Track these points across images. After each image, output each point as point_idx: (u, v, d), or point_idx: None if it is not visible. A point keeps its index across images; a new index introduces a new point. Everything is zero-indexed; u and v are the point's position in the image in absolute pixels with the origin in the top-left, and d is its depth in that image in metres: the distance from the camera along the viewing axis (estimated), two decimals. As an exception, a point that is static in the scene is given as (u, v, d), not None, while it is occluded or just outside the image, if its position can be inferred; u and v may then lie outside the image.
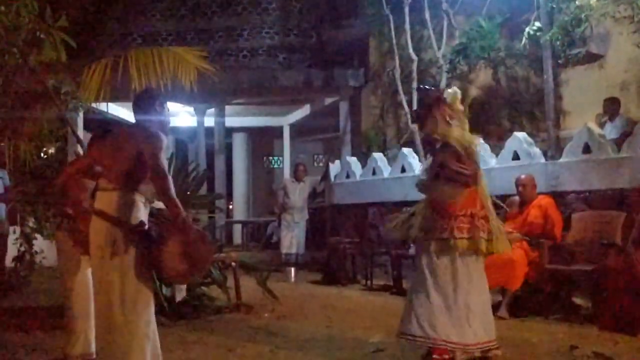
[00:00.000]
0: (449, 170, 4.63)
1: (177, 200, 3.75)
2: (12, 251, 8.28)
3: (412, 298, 4.64)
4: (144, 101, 4.05)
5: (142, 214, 3.80)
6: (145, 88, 6.26)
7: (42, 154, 11.08)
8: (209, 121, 15.23)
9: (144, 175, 3.78)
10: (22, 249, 8.63)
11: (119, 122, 13.19)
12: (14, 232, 8.51)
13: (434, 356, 4.47)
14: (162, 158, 3.75)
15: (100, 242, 3.78)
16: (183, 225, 3.71)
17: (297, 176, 11.16)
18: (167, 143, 3.88)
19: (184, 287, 4.27)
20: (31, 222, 9.08)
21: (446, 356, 4.48)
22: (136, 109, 4.03)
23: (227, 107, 15.29)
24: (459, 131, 4.67)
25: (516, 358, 4.75)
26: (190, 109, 15.39)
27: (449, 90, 4.85)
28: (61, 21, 7.61)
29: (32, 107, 8.37)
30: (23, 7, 7.35)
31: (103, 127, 4.65)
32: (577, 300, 6.67)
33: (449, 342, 4.45)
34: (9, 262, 8.14)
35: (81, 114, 12.23)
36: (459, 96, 4.81)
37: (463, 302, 4.53)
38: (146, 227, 3.78)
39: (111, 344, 3.72)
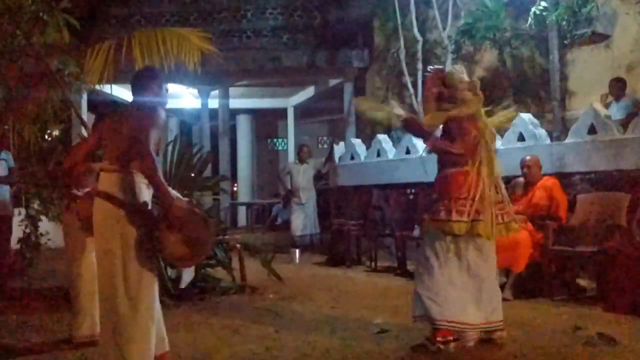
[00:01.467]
0: (437, 149, 4.67)
1: (163, 182, 3.72)
2: (17, 233, 8.30)
3: (417, 279, 4.65)
4: (142, 80, 4.03)
5: (145, 195, 3.79)
6: (145, 67, 6.23)
7: (46, 136, 11.07)
8: (213, 103, 15.20)
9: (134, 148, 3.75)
10: (28, 230, 8.64)
11: (121, 103, 13.18)
12: (19, 213, 8.52)
13: (438, 337, 4.49)
14: (149, 135, 3.69)
15: (103, 223, 3.79)
16: (169, 207, 3.68)
17: (300, 158, 11.17)
18: (162, 120, 3.85)
19: (191, 272, 4.25)
20: (36, 204, 9.07)
21: (450, 337, 4.50)
22: (134, 88, 4.01)
23: (231, 88, 15.26)
24: (455, 110, 4.64)
25: (520, 339, 4.76)
26: (194, 91, 15.35)
27: (448, 69, 4.82)
28: (64, 3, 7.58)
29: (35, 89, 8.33)
30: (26, -12, 7.33)
31: (106, 108, 4.65)
32: (582, 282, 6.67)
33: (454, 322, 4.46)
34: (14, 244, 8.16)
35: (85, 96, 12.24)
36: (459, 73, 4.76)
37: (469, 282, 4.54)
38: (149, 207, 3.77)
39: (114, 326, 3.73)
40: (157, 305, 3.93)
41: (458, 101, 4.67)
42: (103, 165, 3.93)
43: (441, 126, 4.79)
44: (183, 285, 4.17)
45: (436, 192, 4.70)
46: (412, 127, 4.89)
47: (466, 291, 4.52)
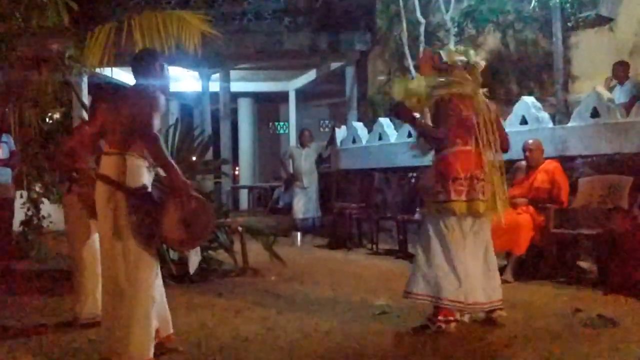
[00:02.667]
0: (420, 132, 4.70)
1: (173, 163, 3.72)
2: (19, 216, 8.33)
3: (419, 258, 4.66)
4: (142, 62, 4.01)
5: (145, 178, 3.79)
6: (145, 49, 6.21)
7: (46, 119, 11.06)
8: (214, 86, 15.16)
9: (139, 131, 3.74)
10: (29, 213, 8.67)
11: (119, 85, 13.14)
12: (21, 196, 8.54)
13: (439, 317, 4.51)
14: (153, 118, 3.69)
15: (104, 206, 3.79)
16: (179, 188, 3.68)
17: (302, 142, 11.17)
18: (163, 104, 3.84)
19: (197, 256, 4.25)
20: (37, 187, 9.09)
21: (451, 317, 4.51)
22: (135, 70, 3.99)
23: (232, 72, 15.21)
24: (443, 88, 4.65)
25: (521, 320, 4.78)
26: (195, 74, 15.30)
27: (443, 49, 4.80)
28: (64, -15, 7.56)
29: (36, 72, 8.32)
30: (25, -30, 7.30)
31: (103, 91, 4.64)
32: (583, 264, 6.68)
33: (455, 301, 4.47)
34: (16, 226, 8.18)
35: (85, 79, 12.21)
36: (454, 53, 4.73)
37: (471, 262, 4.55)
38: (148, 190, 3.77)
39: (115, 307, 3.75)
40: (161, 287, 3.95)
41: (449, 81, 4.66)
42: (104, 147, 3.93)
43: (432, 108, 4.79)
44: (192, 269, 4.18)
45: (434, 174, 4.70)
46: (401, 111, 4.85)
47: (468, 270, 4.53)
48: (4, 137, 7.42)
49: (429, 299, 4.56)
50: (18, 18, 7.74)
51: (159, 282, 3.93)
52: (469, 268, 4.54)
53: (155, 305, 3.83)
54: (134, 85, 4.00)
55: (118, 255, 3.74)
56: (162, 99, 3.82)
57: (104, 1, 13.42)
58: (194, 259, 4.27)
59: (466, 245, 4.57)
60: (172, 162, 3.74)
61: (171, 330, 4.09)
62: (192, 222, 3.79)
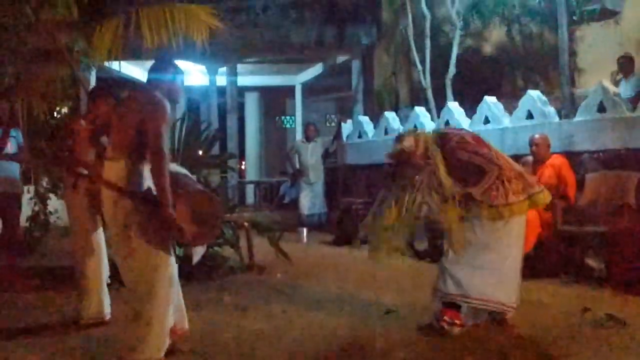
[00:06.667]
0: None
1: (167, 185, 3.68)
2: (26, 211, 8.34)
3: (444, 257, 4.62)
4: (160, 68, 3.99)
5: (150, 182, 3.80)
6: (163, 55, 6.19)
7: (55, 113, 11.08)
8: (221, 80, 15.15)
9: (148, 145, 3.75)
10: (37, 208, 8.68)
11: (123, 82, 13.12)
12: (28, 191, 8.55)
13: (445, 317, 4.49)
14: (162, 134, 3.68)
15: (112, 213, 3.82)
16: (165, 219, 3.66)
17: (307, 136, 11.16)
18: (169, 116, 3.81)
19: (201, 249, 4.29)
20: (45, 182, 9.11)
21: (457, 321, 4.48)
22: (152, 75, 3.97)
23: (239, 65, 15.19)
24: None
25: (528, 319, 4.76)
26: (203, 68, 15.29)
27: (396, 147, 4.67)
28: (73, -22, 7.56)
29: (44, 65, 8.33)
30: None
31: (105, 87, 4.65)
32: (590, 262, 6.62)
33: (481, 299, 4.44)
34: (23, 221, 8.20)
35: (93, 73, 12.21)
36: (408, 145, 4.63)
37: (490, 261, 4.50)
38: (154, 193, 3.78)
39: (132, 309, 3.81)
40: (177, 285, 3.98)
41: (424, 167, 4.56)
42: (107, 151, 3.94)
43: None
44: (195, 261, 4.22)
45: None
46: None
47: (488, 270, 4.48)
48: (13, 132, 7.41)
49: (458, 298, 4.51)
50: (28, 11, 7.75)
51: (175, 279, 3.95)
52: (488, 267, 4.49)
53: (173, 303, 3.86)
54: (143, 90, 3.98)
55: (133, 258, 3.78)
56: (168, 110, 3.80)
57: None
58: (199, 249, 4.31)
59: (486, 246, 4.51)
60: (168, 187, 3.68)
61: (187, 327, 4.12)
62: (202, 216, 3.83)
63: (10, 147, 7.30)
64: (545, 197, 4.65)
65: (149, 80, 3.98)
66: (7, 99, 7.84)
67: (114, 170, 3.80)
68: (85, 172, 4.83)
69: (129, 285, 3.86)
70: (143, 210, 3.74)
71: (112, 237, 3.95)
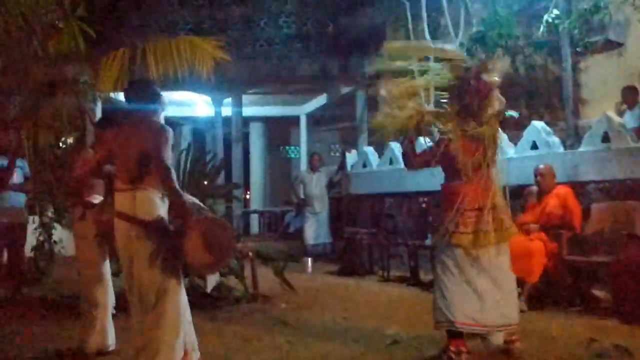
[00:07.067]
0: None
1: (178, 189, 3.78)
2: (31, 241, 8.34)
3: (436, 285, 4.63)
4: (136, 90, 4.08)
5: (161, 210, 3.84)
6: (137, 78, 6.31)
7: (60, 144, 11.12)
8: (227, 111, 15.25)
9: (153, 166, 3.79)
10: (41, 238, 8.69)
11: (125, 112, 13.18)
12: (33, 221, 8.56)
13: (451, 348, 4.46)
14: (164, 152, 3.78)
15: (125, 243, 3.85)
16: (183, 211, 3.74)
17: (312, 166, 11.20)
18: (171, 135, 3.89)
19: (215, 277, 4.32)
20: (50, 212, 9.12)
21: (463, 349, 4.46)
22: (129, 99, 4.05)
23: (244, 96, 15.30)
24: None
25: (535, 351, 4.72)
26: (208, 99, 15.42)
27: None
28: (80, 10, 7.64)
29: (51, 97, 8.39)
30: (42, -4, 7.40)
31: (108, 118, 4.70)
32: (597, 293, 6.59)
33: (469, 324, 4.42)
34: (28, 251, 8.19)
35: (99, 104, 12.29)
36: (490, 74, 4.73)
37: (483, 287, 4.49)
38: (166, 222, 3.80)
39: (142, 338, 3.80)
40: (187, 314, 3.98)
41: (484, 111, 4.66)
42: (116, 182, 3.97)
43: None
44: (209, 289, 4.25)
45: (442, 203, 4.70)
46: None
47: (482, 295, 4.47)
48: (19, 162, 7.46)
49: (447, 324, 4.51)
50: (35, 43, 7.83)
51: (185, 308, 3.94)
52: (483, 292, 4.48)
53: (184, 331, 3.85)
54: (142, 119, 4.03)
55: (144, 288, 3.79)
56: (170, 130, 3.87)
57: (119, 27, 13.57)
58: (212, 278, 4.33)
59: (478, 272, 4.52)
60: (183, 197, 3.79)
61: (198, 355, 4.11)
62: (214, 244, 3.84)
63: (17, 178, 7.34)
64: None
65: (126, 99, 4.06)
66: (14, 130, 7.88)
67: (124, 201, 3.83)
68: (95, 201, 4.84)
69: (137, 314, 3.84)
70: (154, 239, 3.75)
71: (123, 266, 3.96)
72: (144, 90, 4.08)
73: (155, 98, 4.08)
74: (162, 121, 4.13)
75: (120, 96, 9.82)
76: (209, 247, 3.81)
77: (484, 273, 4.52)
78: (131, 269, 3.85)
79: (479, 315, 4.44)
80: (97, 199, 4.78)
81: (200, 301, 6.40)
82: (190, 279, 5.99)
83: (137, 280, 3.82)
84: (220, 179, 8.65)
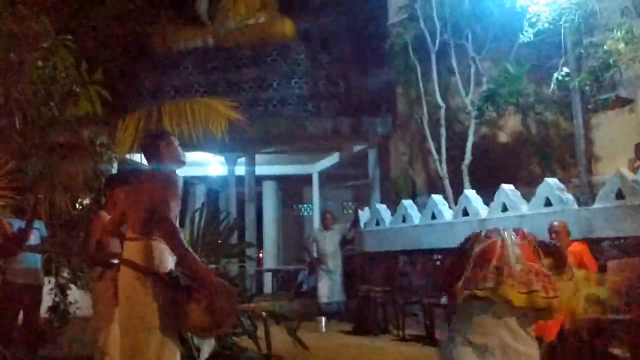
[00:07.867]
0: None
1: (192, 253, 3.73)
2: (47, 301, 8.35)
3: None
4: (149, 145, 4.10)
5: (169, 262, 3.81)
6: (150, 133, 6.39)
7: (77, 205, 11.23)
8: (240, 170, 15.39)
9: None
10: (57, 299, 8.69)
11: (133, 170, 13.33)
12: (49, 282, 8.58)
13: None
14: (167, 207, 3.73)
15: (128, 291, 3.81)
16: (203, 279, 3.67)
17: (324, 225, 11.23)
18: (178, 186, 3.87)
19: (211, 343, 4.22)
20: (65, 273, 9.15)
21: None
22: (145, 155, 4.09)
23: (257, 155, 15.45)
24: None
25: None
26: (221, 159, 15.57)
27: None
28: (97, 75, 7.83)
29: (67, 159, 8.52)
30: (60, 61, 7.59)
31: (117, 179, 4.76)
32: (615, 351, 6.50)
33: None
34: (43, 312, 8.19)
35: (115, 166, 12.46)
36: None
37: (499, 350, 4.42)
38: (175, 275, 3.78)
39: None
40: None
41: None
42: (127, 232, 3.99)
43: None
44: (203, 357, 4.13)
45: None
46: None
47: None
48: (37, 224, 7.53)
49: None
50: (53, 107, 8.00)
51: None
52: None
53: None
54: (148, 171, 4.08)
55: (140, 342, 3.71)
56: (177, 182, 3.86)
57: (135, 90, 13.87)
58: (206, 348, 4.22)
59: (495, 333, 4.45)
60: (190, 252, 3.75)
61: None
62: (217, 309, 3.76)
63: (33, 239, 7.41)
64: None
65: (144, 156, 4.08)
66: (31, 192, 7.98)
67: (132, 249, 3.84)
68: (114, 262, 4.87)
69: None
70: (162, 293, 3.72)
71: (121, 317, 3.90)
72: (159, 139, 4.07)
73: (171, 149, 4.06)
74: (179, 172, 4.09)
75: (136, 158, 10.05)
76: (210, 310, 3.71)
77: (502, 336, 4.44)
78: (130, 317, 3.75)
79: None
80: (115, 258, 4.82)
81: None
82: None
83: (134, 334, 3.73)
84: (234, 238, 8.67)
